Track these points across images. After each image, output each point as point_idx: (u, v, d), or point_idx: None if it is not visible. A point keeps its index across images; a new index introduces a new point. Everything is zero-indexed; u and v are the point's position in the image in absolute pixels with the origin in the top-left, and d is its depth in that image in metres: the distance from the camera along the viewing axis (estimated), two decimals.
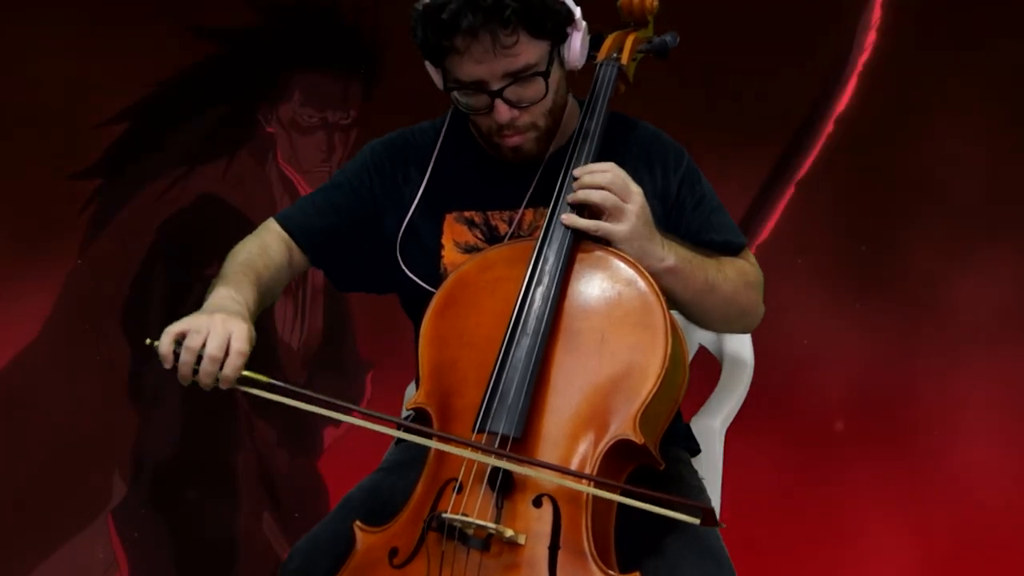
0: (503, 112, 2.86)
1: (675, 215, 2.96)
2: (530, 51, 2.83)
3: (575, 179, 2.80)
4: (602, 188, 2.77)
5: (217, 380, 2.61)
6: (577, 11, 2.89)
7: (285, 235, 2.97)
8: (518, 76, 2.83)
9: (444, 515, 2.61)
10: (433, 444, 2.69)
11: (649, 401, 2.66)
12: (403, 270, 2.96)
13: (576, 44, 2.89)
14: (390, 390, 3.92)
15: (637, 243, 2.77)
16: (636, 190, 2.79)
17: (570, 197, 2.79)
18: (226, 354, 2.61)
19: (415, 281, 2.95)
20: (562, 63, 2.90)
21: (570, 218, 2.77)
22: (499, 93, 2.84)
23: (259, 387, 2.61)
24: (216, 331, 2.62)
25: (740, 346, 3.28)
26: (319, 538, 2.81)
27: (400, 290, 3.01)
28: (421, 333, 2.80)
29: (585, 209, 2.79)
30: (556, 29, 2.85)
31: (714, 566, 2.74)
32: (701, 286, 2.84)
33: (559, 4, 2.85)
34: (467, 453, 2.64)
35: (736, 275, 2.91)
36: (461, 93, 2.87)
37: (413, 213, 2.98)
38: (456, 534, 2.61)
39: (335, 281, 3.06)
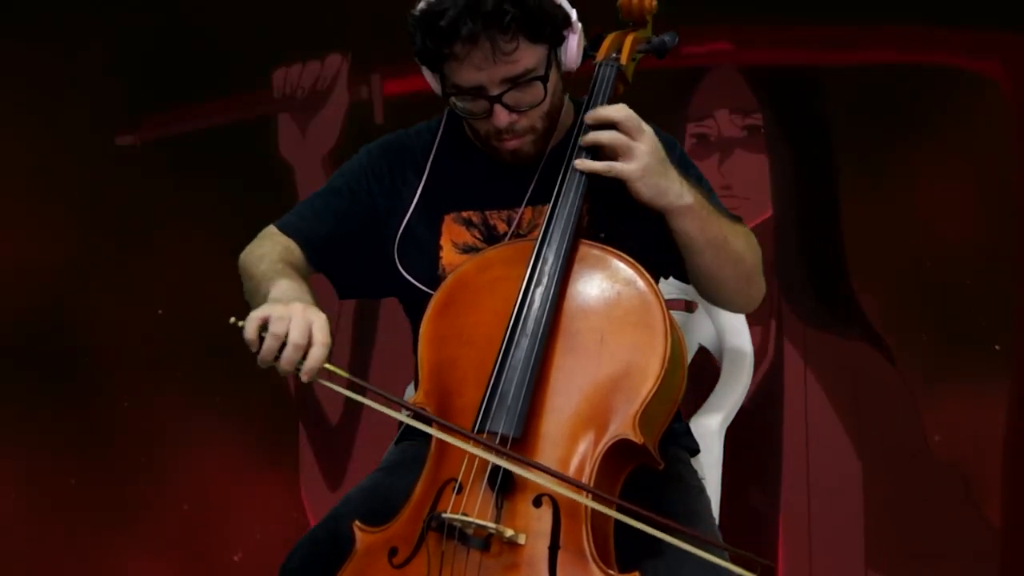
0: (502, 117, 2.86)
1: None
2: (529, 56, 2.83)
3: (585, 123, 2.81)
4: (612, 128, 2.78)
5: (298, 369, 2.62)
6: (573, 13, 2.89)
7: (292, 242, 2.97)
8: (517, 81, 2.83)
9: (444, 515, 2.62)
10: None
11: (648, 401, 2.67)
12: (400, 272, 2.97)
13: (572, 46, 2.89)
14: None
15: (651, 180, 2.77)
16: (647, 129, 2.80)
17: (581, 140, 2.81)
18: (309, 344, 2.61)
19: (413, 283, 2.95)
20: (559, 65, 2.90)
21: (583, 163, 2.79)
22: (498, 98, 2.84)
23: (338, 382, 2.63)
24: (297, 320, 2.61)
25: (740, 345, 3.28)
26: (319, 538, 2.82)
27: (399, 293, 3.01)
28: (420, 333, 2.80)
29: (600, 153, 2.81)
30: (554, 33, 2.85)
31: (713, 567, 2.74)
32: (716, 234, 2.84)
33: (556, 8, 2.85)
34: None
35: (744, 234, 2.91)
36: (459, 98, 2.87)
37: (411, 215, 2.98)
38: (456, 534, 2.61)
39: (337, 287, 3.05)
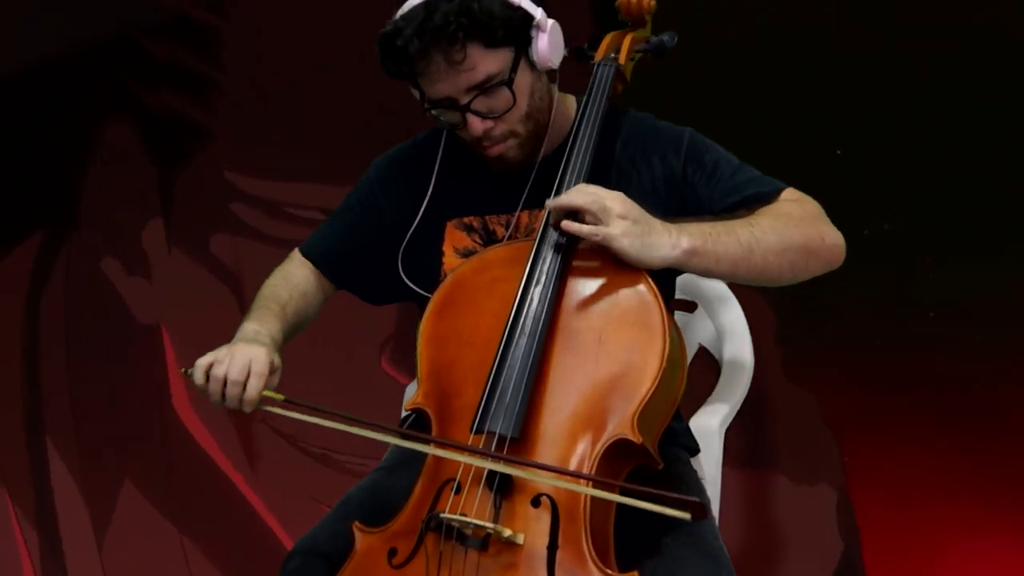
0: (476, 125, 2.87)
1: (689, 194, 2.92)
2: (488, 62, 2.83)
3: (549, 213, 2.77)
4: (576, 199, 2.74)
5: (241, 402, 2.77)
6: (538, 12, 2.87)
7: (308, 263, 3.07)
8: (482, 88, 2.84)
9: (442, 515, 2.62)
10: (431, 450, 2.70)
11: (647, 400, 2.66)
12: (403, 279, 2.99)
13: (543, 45, 2.87)
14: None
15: (637, 240, 2.72)
16: (609, 193, 2.75)
17: (553, 213, 2.76)
18: (248, 378, 2.76)
19: (415, 289, 2.97)
20: (533, 66, 2.90)
21: (569, 224, 2.73)
22: (467, 107, 2.85)
23: (278, 405, 2.79)
24: (236, 359, 2.77)
25: (740, 346, 3.27)
26: (318, 538, 2.83)
27: (409, 299, 3.03)
28: (420, 333, 2.81)
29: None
30: (513, 36, 2.85)
31: (713, 565, 2.74)
32: (737, 251, 2.77)
33: (512, 10, 2.84)
34: (464, 458, 2.65)
35: (775, 220, 2.82)
36: (436, 111, 2.90)
37: (418, 223, 3.00)
38: (454, 534, 2.62)
39: (362, 296, 3.12)
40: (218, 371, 2.78)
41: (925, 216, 4.34)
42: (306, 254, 3.08)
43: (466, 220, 2.99)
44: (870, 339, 4.35)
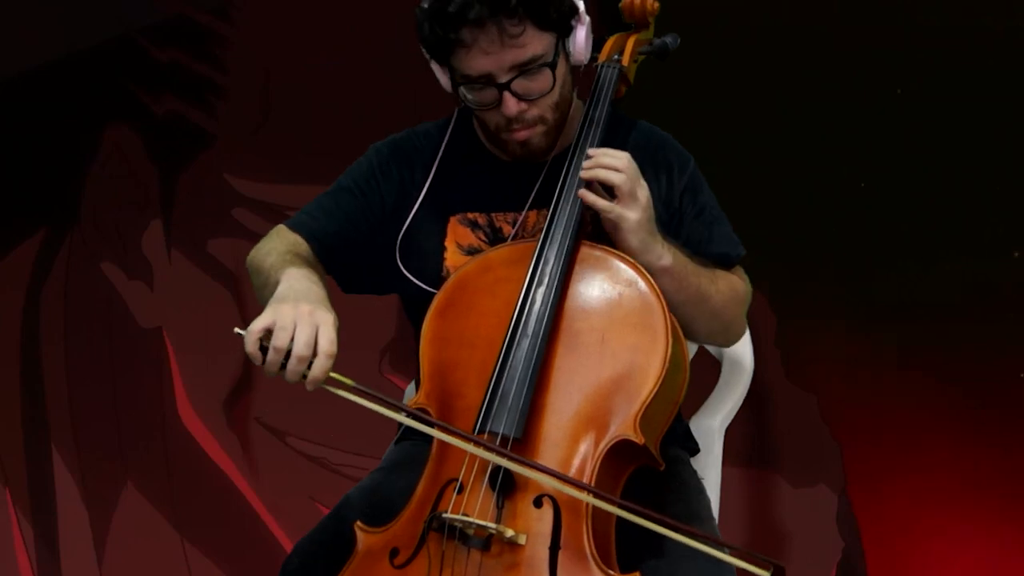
0: (511, 105, 2.86)
1: (675, 223, 2.95)
2: (536, 42, 2.83)
3: (589, 157, 2.79)
4: (618, 171, 2.77)
5: (303, 378, 2.60)
6: (581, 4, 2.90)
7: (298, 237, 2.95)
8: (525, 68, 2.83)
9: (445, 515, 2.62)
10: (498, 460, 2.66)
11: (649, 402, 2.67)
12: (402, 272, 2.97)
13: (580, 37, 2.89)
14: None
15: (643, 234, 2.77)
16: (644, 184, 2.80)
17: (585, 173, 2.78)
18: (314, 353, 2.60)
19: (415, 283, 2.95)
20: (568, 56, 2.91)
21: (586, 194, 2.77)
22: (507, 86, 2.84)
23: (345, 389, 2.59)
24: (302, 327, 2.59)
25: (740, 346, 3.28)
26: (320, 538, 2.83)
27: (401, 292, 3.01)
28: (422, 333, 2.80)
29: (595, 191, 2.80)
30: (561, 21, 2.86)
31: (714, 566, 2.74)
32: (693, 293, 2.84)
33: None
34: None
35: (727, 289, 2.91)
36: (469, 89, 2.87)
37: (416, 215, 2.98)
38: (456, 534, 2.62)
39: (341, 283, 3.02)
40: (280, 341, 2.57)
41: (925, 216, 4.35)
42: (297, 231, 2.95)
43: (471, 216, 2.97)
44: (870, 339, 4.36)
